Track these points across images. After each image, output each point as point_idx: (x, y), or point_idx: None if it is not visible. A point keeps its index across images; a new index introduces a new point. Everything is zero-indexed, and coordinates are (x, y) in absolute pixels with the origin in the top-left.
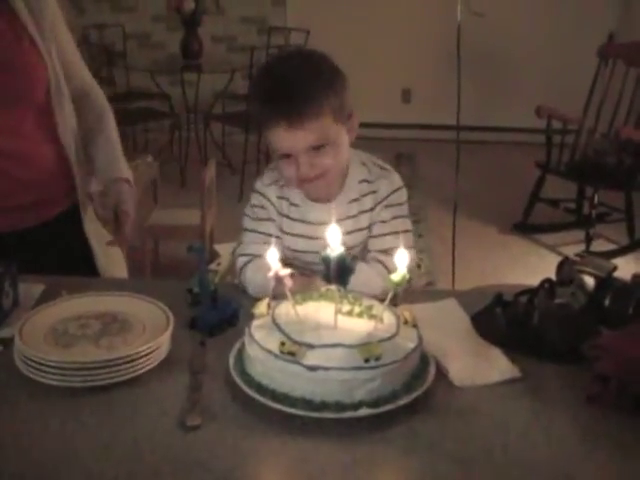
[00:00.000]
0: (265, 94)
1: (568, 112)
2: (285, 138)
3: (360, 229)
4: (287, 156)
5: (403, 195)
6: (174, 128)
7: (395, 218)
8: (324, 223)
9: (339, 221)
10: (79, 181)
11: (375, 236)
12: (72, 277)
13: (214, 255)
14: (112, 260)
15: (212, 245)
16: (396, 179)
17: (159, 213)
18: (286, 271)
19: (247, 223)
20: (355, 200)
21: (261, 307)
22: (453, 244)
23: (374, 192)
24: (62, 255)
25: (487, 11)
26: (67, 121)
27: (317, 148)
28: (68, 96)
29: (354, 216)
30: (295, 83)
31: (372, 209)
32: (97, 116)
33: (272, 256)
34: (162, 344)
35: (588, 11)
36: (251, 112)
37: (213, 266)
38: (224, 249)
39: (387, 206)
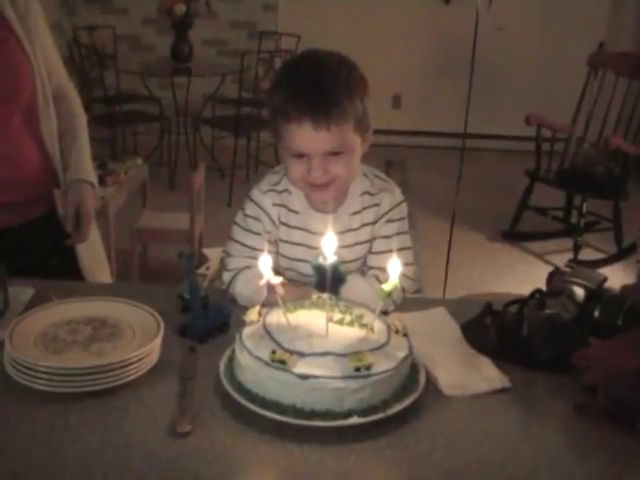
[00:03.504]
0: (293, 88)
1: (558, 121)
2: (305, 137)
3: (361, 242)
4: (300, 156)
5: (404, 210)
6: (164, 131)
7: (396, 234)
8: (324, 234)
9: (340, 233)
10: (61, 181)
11: (375, 253)
12: (62, 281)
13: (203, 259)
14: (95, 260)
15: (201, 249)
16: (397, 193)
17: (148, 216)
18: (278, 279)
19: (236, 234)
20: (357, 212)
21: (252, 314)
22: (448, 254)
23: (376, 205)
24: (45, 254)
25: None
26: (50, 121)
27: (333, 154)
28: (51, 97)
29: (356, 229)
30: (327, 83)
31: (374, 223)
32: (71, 118)
33: (264, 264)
34: (153, 350)
35: (578, 21)
36: (270, 104)
37: (202, 270)
38: (213, 253)
39: (389, 221)
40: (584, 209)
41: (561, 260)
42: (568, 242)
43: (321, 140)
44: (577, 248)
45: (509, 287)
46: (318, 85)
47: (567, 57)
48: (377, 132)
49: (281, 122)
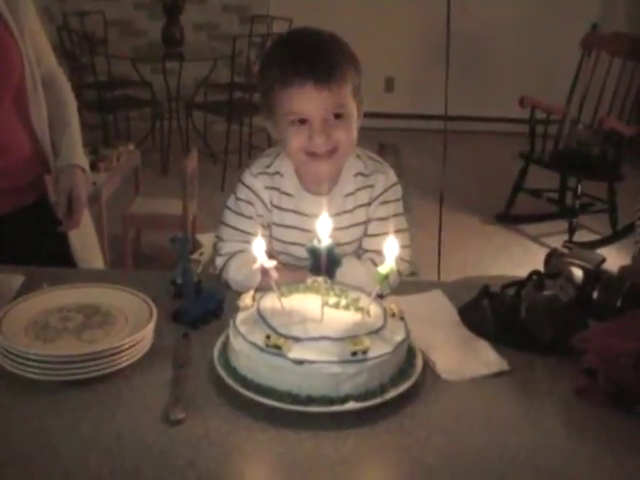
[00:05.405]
0: (291, 56)
1: (552, 103)
2: (307, 99)
3: (356, 224)
4: (300, 123)
5: (398, 191)
6: (156, 117)
7: (392, 216)
8: (318, 216)
9: (335, 215)
10: (52, 167)
11: (371, 235)
12: (53, 268)
13: (196, 245)
14: (87, 246)
15: (194, 235)
16: (391, 174)
17: (141, 202)
18: (271, 263)
19: (228, 218)
20: (351, 194)
21: (246, 299)
22: (439, 236)
23: (370, 186)
24: (37, 241)
25: (471, 2)
26: (40, 107)
27: (335, 117)
28: (40, 82)
29: (350, 211)
30: (325, 49)
31: (368, 204)
32: (60, 103)
33: (258, 247)
34: (145, 337)
35: (571, 1)
36: (264, 79)
37: (195, 256)
38: (206, 239)
39: (383, 202)
40: (579, 191)
41: (556, 242)
42: (563, 224)
43: (324, 100)
44: (572, 230)
45: (504, 270)
46: (317, 50)
47: (560, 38)
48: (370, 115)
49: (279, 91)
